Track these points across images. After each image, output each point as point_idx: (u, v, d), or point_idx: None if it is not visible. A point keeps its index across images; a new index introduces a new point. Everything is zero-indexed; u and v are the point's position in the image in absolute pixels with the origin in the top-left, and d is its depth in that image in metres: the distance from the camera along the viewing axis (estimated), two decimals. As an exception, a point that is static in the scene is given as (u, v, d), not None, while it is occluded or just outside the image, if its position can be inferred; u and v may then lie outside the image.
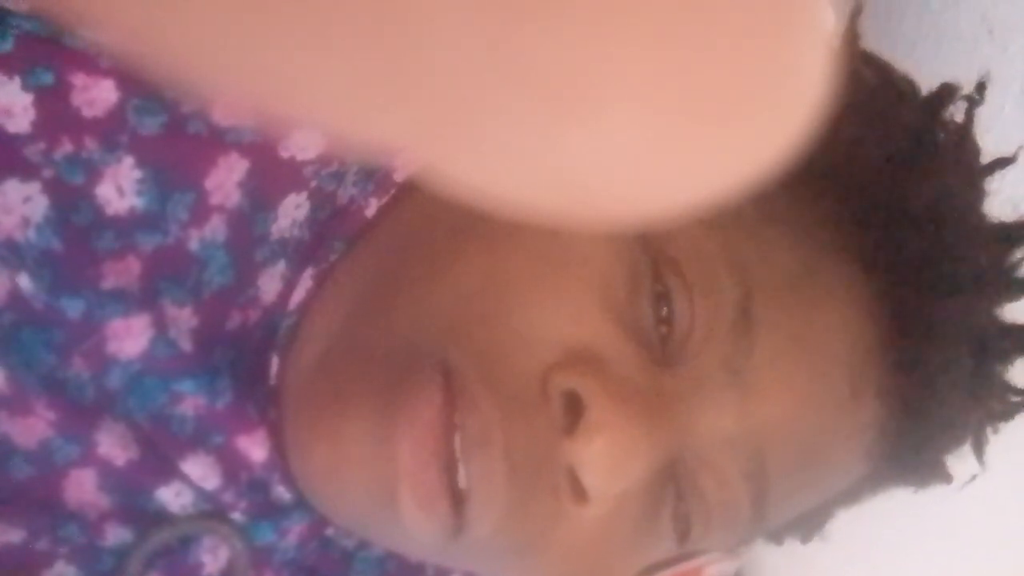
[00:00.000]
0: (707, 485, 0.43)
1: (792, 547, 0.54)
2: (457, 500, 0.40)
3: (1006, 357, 0.50)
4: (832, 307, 0.44)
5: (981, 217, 0.49)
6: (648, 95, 0.17)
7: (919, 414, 0.46)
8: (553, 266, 0.42)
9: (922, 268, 0.46)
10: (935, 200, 0.46)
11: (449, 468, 0.40)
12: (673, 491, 0.43)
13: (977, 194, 0.49)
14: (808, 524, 0.53)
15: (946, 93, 0.49)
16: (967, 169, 0.49)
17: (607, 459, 0.40)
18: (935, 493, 0.51)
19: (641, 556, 0.46)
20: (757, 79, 0.18)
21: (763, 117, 0.19)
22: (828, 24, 0.19)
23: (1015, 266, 0.50)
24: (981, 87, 0.50)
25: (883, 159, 0.47)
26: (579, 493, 0.41)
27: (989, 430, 0.51)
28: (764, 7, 0.18)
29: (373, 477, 0.41)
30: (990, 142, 0.50)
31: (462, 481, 0.40)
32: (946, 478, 0.51)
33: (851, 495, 0.51)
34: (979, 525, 0.68)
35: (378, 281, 0.45)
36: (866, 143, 0.46)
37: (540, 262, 0.42)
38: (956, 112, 0.49)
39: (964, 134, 0.49)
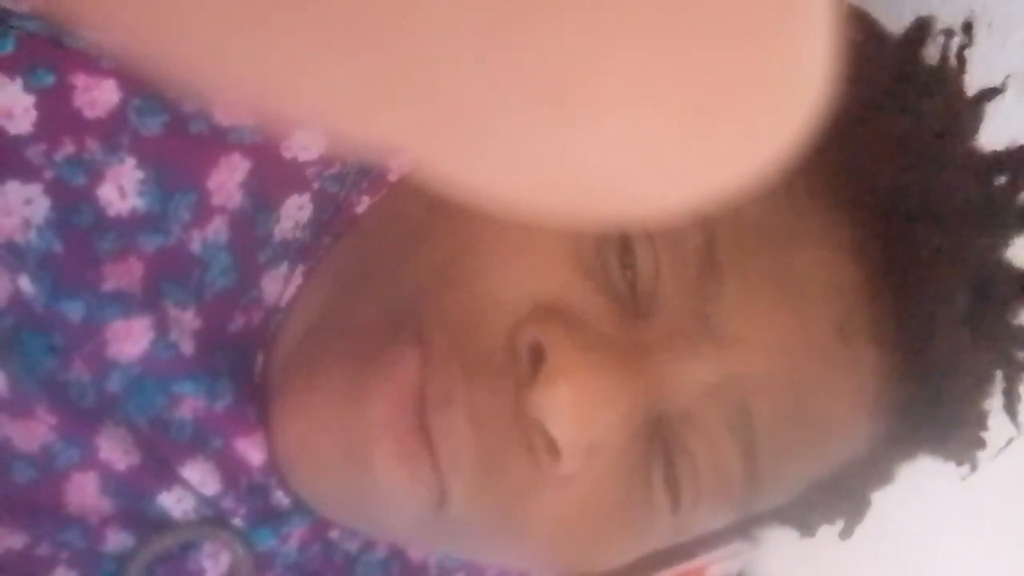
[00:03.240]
0: (694, 443, 0.42)
1: (796, 547, 0.54)
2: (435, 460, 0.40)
3: (1010, 298, 0.47)
4: (807, 247, 0.43)
5: (968, 147, 0.47)
6: (648, 94, 0.17)
7: (919, 359, 0.44)
8: (520, 225, 0.41)
9: (902, 198, 0.44)
10: (912, 128, 0.45)
11: (424, 427, 0.39)
12: (661, 454, 0.42)
13: (962, 123, 0.47)
14: (840, 508, 0.50)
15: (922, 29, 0.48)
16: (948, 98, 0.47)
17: (572, 406, 0.38)
18: (944, 491, 0.50)
19: (636, 530, 0.44)
20: (758, 78, 0.18)
21: (763, 116, 0.19)
22: (828, 23, 0.19)
23: (1009, 196, 0.47)
24: (968, 27, 0.48)
25: (858, 97, 0.44)
26: (552, 448, 0.39)
27: (1022, 389, 0.47)
28: (764, 6, 0.18)
29: (348, 442, 0.41)
30: (989, 134, 0.49)
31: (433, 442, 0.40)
32: (976, 440, 0.48)
33: (874, 466, 0.49)
34: (991, 526, 0.67)
35: (356, 263, 0.44)
36: (842, 86, 0.45)
37: (507, 223, 0.41)
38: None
39: (942, 66, 0.47)
